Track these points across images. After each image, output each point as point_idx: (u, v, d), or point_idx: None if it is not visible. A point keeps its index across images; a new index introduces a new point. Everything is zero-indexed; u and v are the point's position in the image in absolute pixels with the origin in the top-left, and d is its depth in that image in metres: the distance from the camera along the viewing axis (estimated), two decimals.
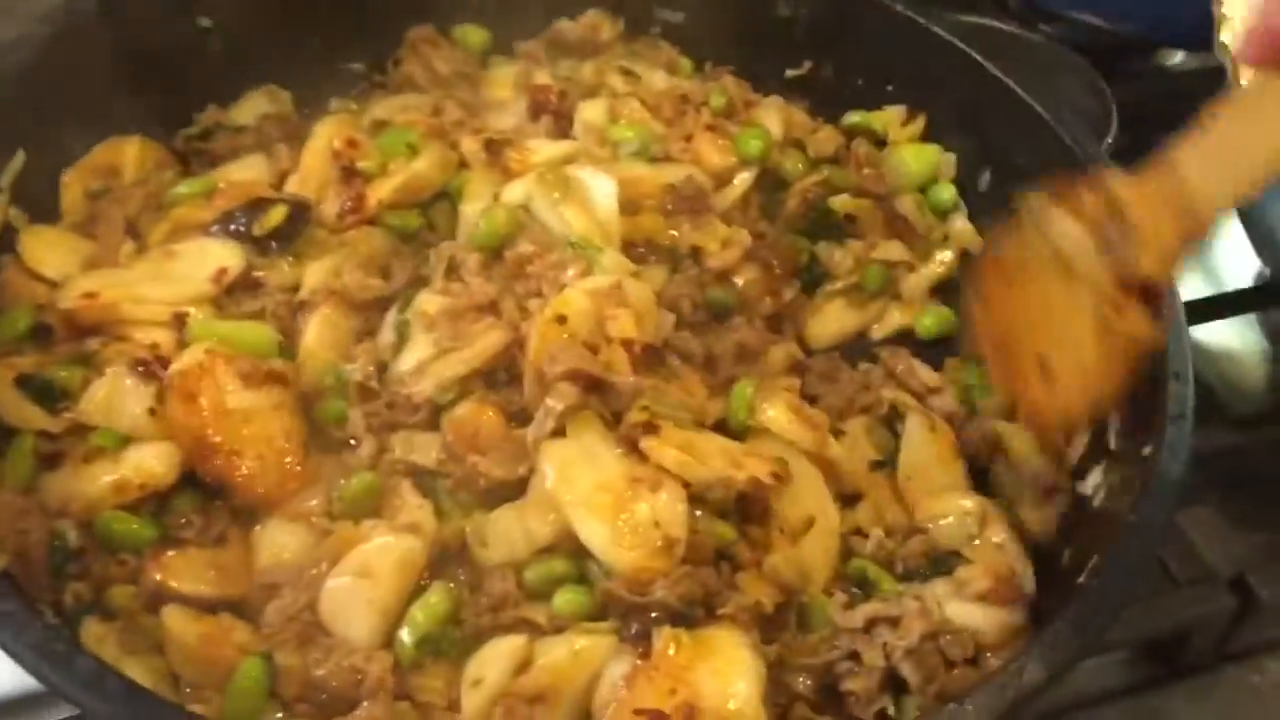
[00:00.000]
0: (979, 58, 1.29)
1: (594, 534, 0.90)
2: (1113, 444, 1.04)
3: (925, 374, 1.19)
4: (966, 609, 0.97)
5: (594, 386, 0.96)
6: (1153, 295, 0.91)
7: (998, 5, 1.77)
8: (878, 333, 1.29)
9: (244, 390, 0.99)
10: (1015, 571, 1.00)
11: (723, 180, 1.28)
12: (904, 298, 1.29)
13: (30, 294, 1.06)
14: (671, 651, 0.86)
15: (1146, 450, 0.95)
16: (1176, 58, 2.04)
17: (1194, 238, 0.88)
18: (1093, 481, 1.05)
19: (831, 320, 1.27)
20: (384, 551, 0.92)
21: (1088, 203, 0.90)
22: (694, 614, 0.90)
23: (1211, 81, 1.96)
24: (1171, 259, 0.89)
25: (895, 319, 1.29)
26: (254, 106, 1.32)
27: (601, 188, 1.15)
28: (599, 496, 0.92)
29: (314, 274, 1.10)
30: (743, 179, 1.29)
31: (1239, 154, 0.86)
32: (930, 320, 1.28)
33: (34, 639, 0.72)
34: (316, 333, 1.06)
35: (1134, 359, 0.92)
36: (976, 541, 1.04)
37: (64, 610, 0.91)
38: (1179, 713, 1.14)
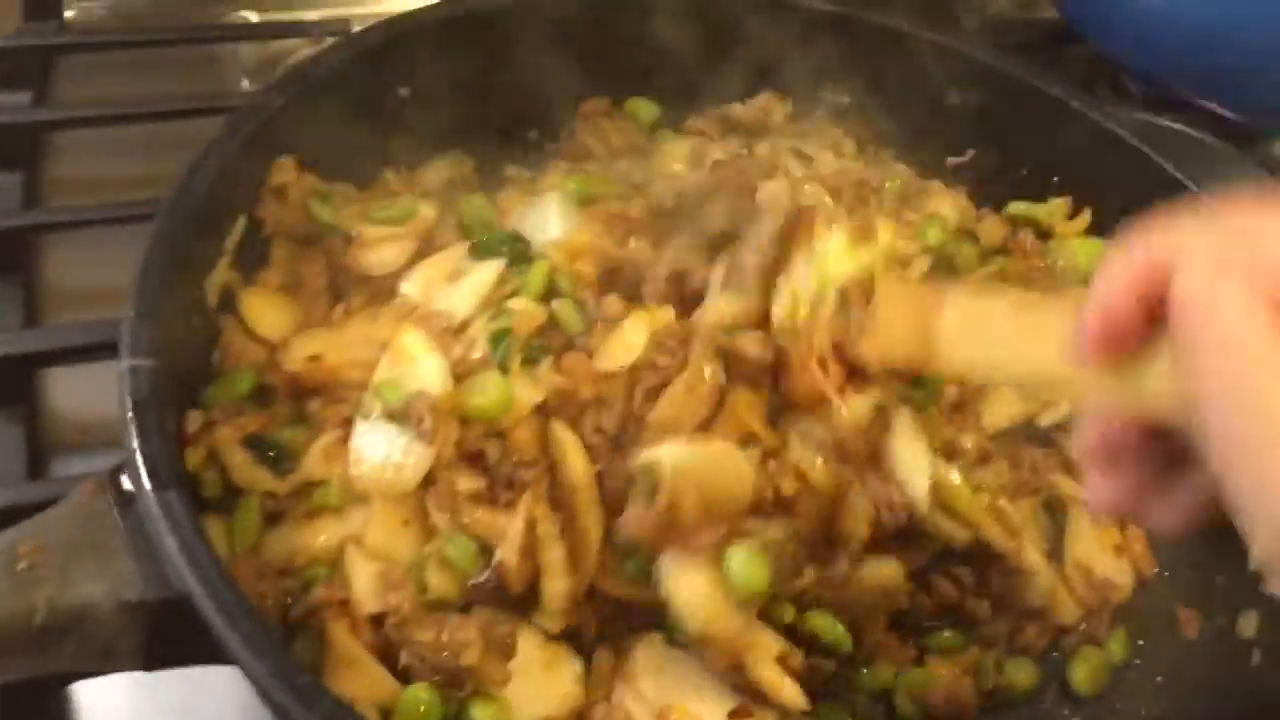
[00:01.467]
0: (1152, 153, 1.31)
1: None
2: None
3: None
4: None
5: None
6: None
7: (1118, 94, 1.81)
8: (1045, 419, 1.29)
9: None
10: None
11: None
12: None
13: (249, 355, 1.07)
14: None
15: None
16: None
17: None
18: None
19: (1004, 406, 1.27)
20: None
21: None
22: None
23: None
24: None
25: (1063, 406, 1.29)
26: (438, 172, 1.35)
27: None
28: None
29: None
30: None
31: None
32: None
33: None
34: None
35: None
36: None
37: None
38: None
